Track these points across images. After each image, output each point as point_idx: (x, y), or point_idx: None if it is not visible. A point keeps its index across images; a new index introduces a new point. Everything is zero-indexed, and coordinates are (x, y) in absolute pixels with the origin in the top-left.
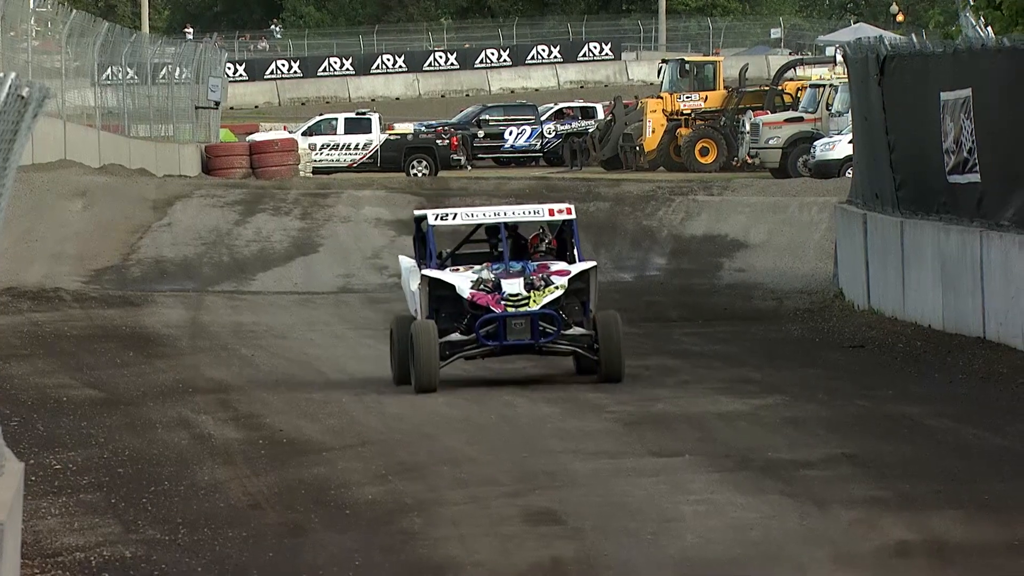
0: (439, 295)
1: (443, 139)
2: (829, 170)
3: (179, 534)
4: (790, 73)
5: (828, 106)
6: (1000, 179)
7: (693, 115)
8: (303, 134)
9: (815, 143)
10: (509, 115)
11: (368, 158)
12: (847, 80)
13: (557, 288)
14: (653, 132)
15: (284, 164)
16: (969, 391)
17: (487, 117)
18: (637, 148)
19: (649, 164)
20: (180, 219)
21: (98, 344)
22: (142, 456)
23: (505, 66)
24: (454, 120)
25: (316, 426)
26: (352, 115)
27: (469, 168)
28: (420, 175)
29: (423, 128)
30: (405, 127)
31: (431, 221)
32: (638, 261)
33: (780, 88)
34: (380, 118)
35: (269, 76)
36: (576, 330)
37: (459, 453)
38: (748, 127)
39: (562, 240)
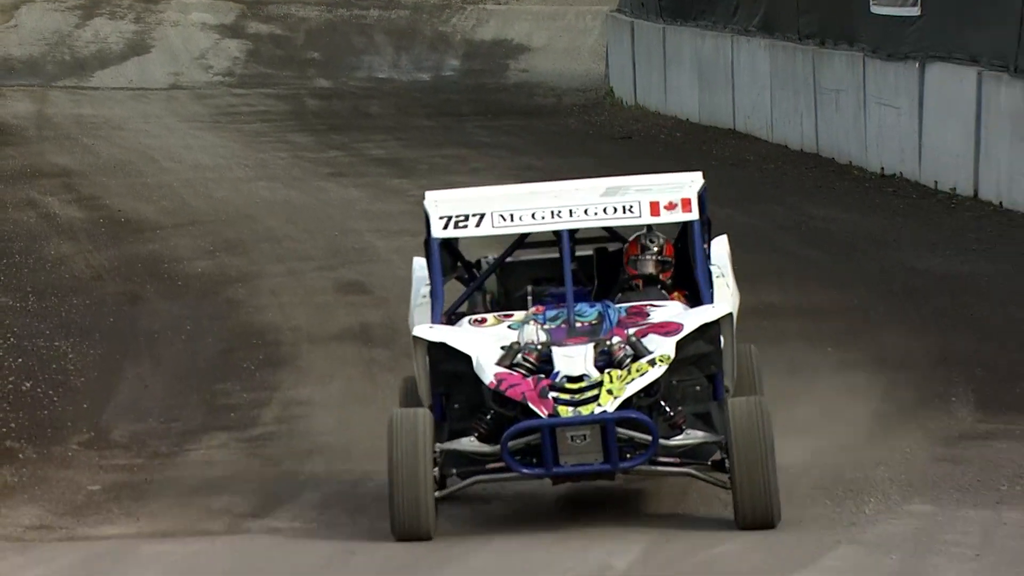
0: (447, 370)
1: None
2: None
3: (28, 301)
4: None
5: None
6: None
7: None
8: None
9: None
10: None
11: None
12: None
13: (657, 362)
14: None
15: None
16: (721, 176)
17: None
18: None
19: None
20: (25, 22)
21: None
22: None
23: None
24: None
25: (151, 207)
26: None
27: None
28: None
29: None
30: None
31: (435, 231)
32: (435, 63)
33: None
34: None
35: None
36: (691, 435)
37: (278, 232)
38: None
39: (685, 248)
